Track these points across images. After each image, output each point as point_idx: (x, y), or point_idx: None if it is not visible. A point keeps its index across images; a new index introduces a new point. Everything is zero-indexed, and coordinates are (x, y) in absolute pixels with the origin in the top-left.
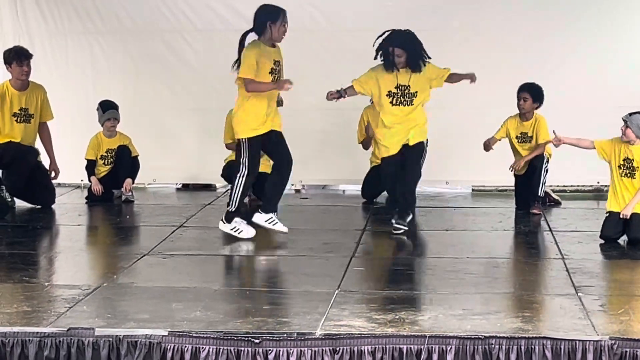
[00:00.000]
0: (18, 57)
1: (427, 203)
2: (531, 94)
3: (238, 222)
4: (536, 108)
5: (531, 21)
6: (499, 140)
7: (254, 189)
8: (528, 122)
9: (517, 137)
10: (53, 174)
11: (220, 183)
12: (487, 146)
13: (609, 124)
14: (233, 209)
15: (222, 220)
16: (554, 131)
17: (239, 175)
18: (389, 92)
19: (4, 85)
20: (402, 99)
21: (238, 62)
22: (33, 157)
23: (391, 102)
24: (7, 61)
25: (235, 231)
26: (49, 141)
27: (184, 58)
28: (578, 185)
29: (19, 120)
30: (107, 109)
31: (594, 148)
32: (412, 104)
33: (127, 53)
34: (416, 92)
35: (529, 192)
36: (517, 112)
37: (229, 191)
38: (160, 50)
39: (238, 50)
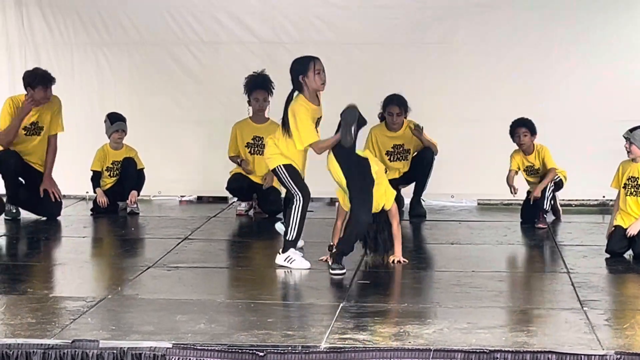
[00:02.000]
0: (43, 81)
1: (433, 216)
2: (529, 128)
3: (293, 252)
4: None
5: (535, 35)
6: (517, 172)
7: (258, 203)
8: (531, 155)
9: (524, 170)
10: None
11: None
12: (511, 185)
13: (613, 137)
14: (292, 238)
15: (279, 252)
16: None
17: (295, 205)
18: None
19: (20, 98)
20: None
21: (286, 122)
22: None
23: None
24: (31, 84)
25: (288, 261)
26: (51, 155)
27: (190, 70)
28: (583, 200)
29: (28, 133)
30: (115, 120)
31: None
32: None
33: (133, 64)
34: None
35: (535, 206)
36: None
37: (286, 221)
38: (166, 62)
39: (285, 110)
